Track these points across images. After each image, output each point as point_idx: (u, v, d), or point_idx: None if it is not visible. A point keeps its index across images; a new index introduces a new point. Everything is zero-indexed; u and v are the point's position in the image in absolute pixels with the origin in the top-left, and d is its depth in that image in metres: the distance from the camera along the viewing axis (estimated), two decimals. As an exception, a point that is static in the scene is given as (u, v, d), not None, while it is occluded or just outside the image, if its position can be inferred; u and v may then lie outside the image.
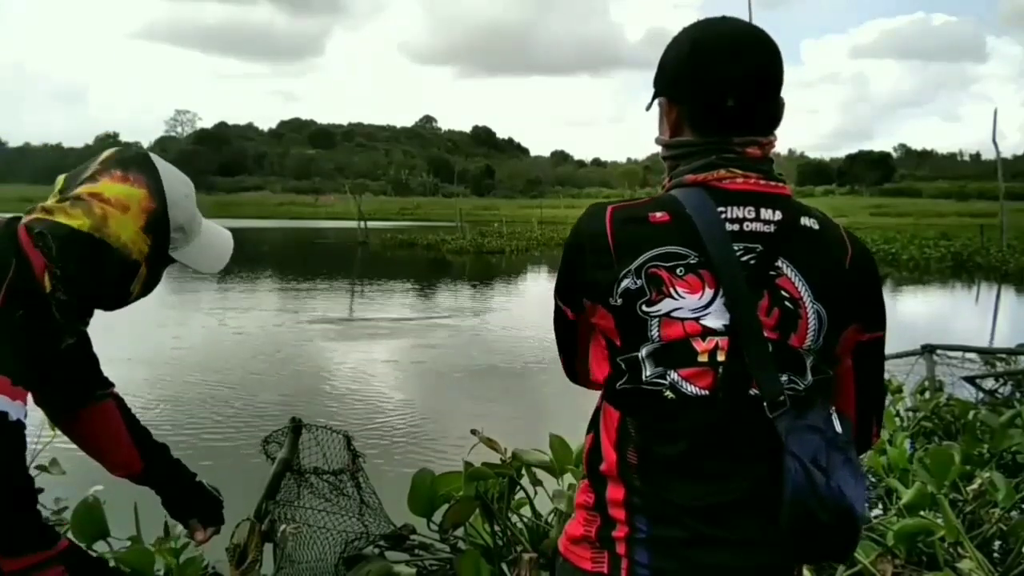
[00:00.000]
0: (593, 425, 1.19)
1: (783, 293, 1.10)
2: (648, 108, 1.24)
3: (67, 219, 1.32)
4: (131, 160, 1.39)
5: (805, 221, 1.14)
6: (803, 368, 1.11)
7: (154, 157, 1.42)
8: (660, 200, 1.14)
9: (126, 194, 1.34)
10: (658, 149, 1.24)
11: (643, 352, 1.09)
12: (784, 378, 1.10)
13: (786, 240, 1.11)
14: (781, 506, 1.05)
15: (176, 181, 1.42)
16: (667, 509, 1.09)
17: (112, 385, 1.64)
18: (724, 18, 1.19)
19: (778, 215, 1.12)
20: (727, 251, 1.09)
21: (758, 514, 1.09)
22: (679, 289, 1.08)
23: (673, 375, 1.08)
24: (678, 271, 1.08)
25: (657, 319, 1.09)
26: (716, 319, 1.08)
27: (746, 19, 1.25)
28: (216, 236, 1.53)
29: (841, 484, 1.06)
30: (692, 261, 1.09)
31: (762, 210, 1.11)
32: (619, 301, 1.10)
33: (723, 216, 1.10)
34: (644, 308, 1.09)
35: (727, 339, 1.08)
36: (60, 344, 1.35)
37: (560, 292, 1.23)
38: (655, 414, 1.09)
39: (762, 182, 1.13)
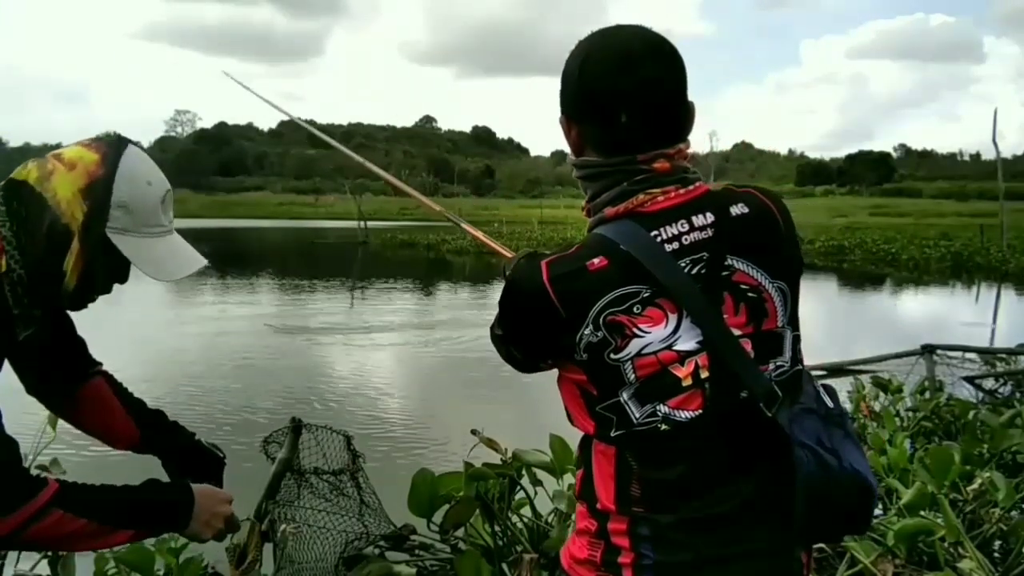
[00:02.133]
0: (584, 462, 1.17)
1: (743, 287, 1.09)
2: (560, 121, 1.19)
3: (21, 174, 1.29)
4: (106, 136, 1.36)
5: (735, 210, 1.11)
6: (782, 346, 1.12)
7: (136, 150, 1.35)
8: (590, 244, 1.10)
9: (79, 154, 1.31)
10: None
11: (624, 396, 1.08)
12: (771, 366, 1.10)
13: (727, 237, 1.09)
14: (794, 498, 1.05)
15: (142, 164, 1.34)
16: (672, 534, 1.08)
17: (99, 364, 1.62)
18: (619, 27, 1.13)
19: (710, 217, 1.09)
20: (675, 272, 1.06)
21: (765, 517, 1.09)
22: (642, 326, 1.06)
23: (663, 408, 1.07)
24: (635, 309, 1.06)
25: (629, 361, 1.06)
26: (687, 340, 1.07)
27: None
28: (179, 250, 1.40)
29: (852, 462, 1.08)
30: (646, 295, 1.06)
31: (693, 219, 1.09)
32: (584, 356, 1.08)
33: (658, 239, 1.07)
34: (612, 356, 1.06)
35: (705, 355, 1.07)
36: (15, 335, 1.29)
37: (521, 348, 1.18)
38: (653, 446, 1.08)
39: (682, 191, 1.11)
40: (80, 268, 1.29)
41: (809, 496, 1.05)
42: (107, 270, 1.34)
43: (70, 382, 1.57)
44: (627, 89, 1.07)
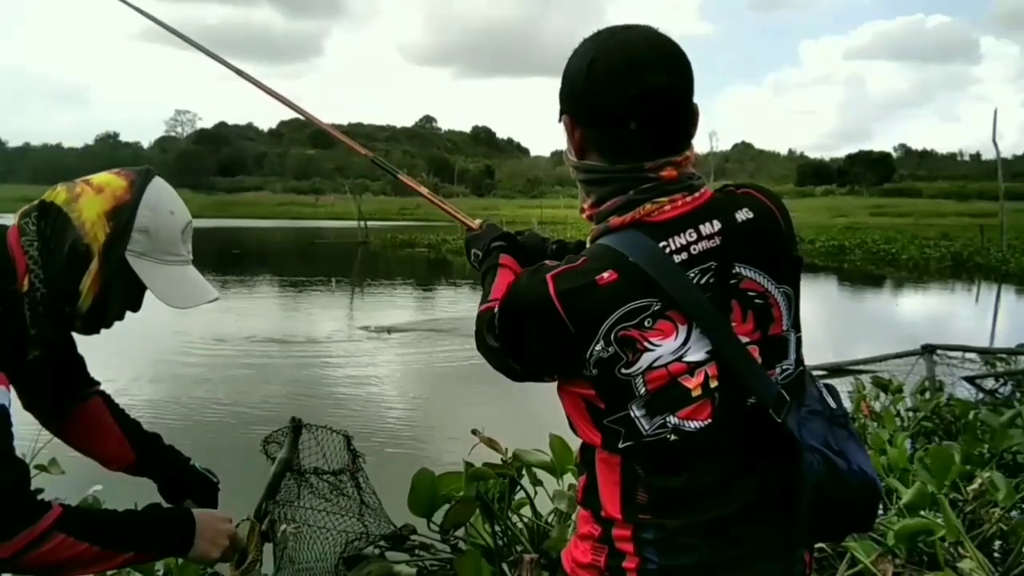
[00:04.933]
0: (586, 469, 1.15)
1: (750, 295, 1.09)
2: (559, 121, 1.15)
3: (50, 196, 1.34)
4: (136, 167, 1.41)
5: (741, 216, 1.10)
6: (787, 350, 1.12)
7: (163, 182, 1.40)
8: (598, 255, 1.07)
9: (107, 180, 1.36)
10: None
11: (634, 409, 1.06)
12: (778, 370, 1.10)
13: (734, 245, 1.08)
14: (799, 498, 1.05)
15: (167, 195, 1.39)
16: (678, 538, 1.08)
17: (97, 383, 1.64)
18: (627, 27, 1.10)
19: (717, 225, 1.08)
20: (684, 284, 1.05)
21: (769, 518, 1.09)
22: (653, 340, 1.04)
23: (672, 420, 1.06)
24: (646, 323, 1.04)
25: (640, 375, 1.05)
26: (697, 351, 1.06)
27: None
28: (195, 282, 1.42)
29: (859, 463, 1.08)
30: (656, 308, 1.04)
31: (701, 227, 1.07)
32: (594, 371, 1.06)
33: (667, 250, 1.06)
34: (623, 371, 1.05)
35: (714, 365, 1.06)
36: (27, 354, 1.33)
37: (522, 362, 1.14)
38: (661, 456, 1.07)
39: (688, 199, 1.09)
40: (96, 289, 1.33)
41: (817, 498, 1.05)
42: (122, 295, 1.37)
43: (67, 400, 1.58)
44: (636, 96, 1.04)
